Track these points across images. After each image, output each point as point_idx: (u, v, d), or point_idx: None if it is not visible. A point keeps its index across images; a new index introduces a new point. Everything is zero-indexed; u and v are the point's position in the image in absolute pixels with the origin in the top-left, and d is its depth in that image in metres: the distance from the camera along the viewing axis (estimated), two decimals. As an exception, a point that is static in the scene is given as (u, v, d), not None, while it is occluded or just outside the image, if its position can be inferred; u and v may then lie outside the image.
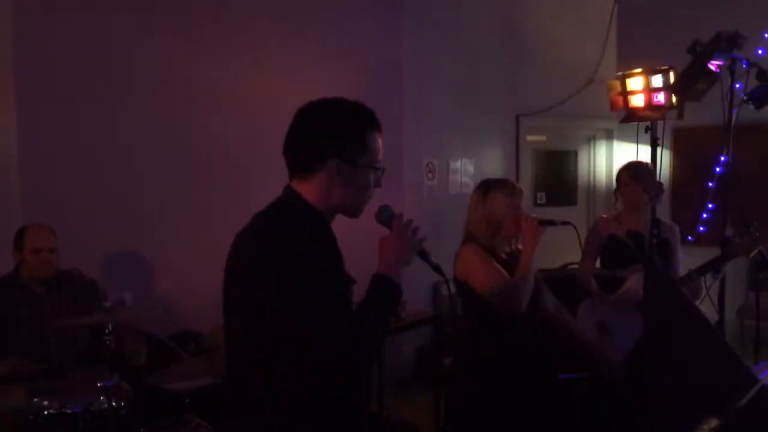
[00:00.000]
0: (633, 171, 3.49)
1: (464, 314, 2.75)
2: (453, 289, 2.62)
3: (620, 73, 5.29)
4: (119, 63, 4.11)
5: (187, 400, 3.11)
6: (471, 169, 5.66)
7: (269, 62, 4.59)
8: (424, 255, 1.79)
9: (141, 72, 4.19)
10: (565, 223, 2.72)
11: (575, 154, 6.69)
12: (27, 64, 3.93)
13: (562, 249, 4.02)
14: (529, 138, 6.16)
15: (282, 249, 1.58)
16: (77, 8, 4.01)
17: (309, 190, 1.71)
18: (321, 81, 4.49)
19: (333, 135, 1.70)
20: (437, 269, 1.80)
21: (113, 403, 2.74)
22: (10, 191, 3.91)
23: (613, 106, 5.77)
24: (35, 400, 2.79)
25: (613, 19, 6.30)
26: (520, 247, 2.76)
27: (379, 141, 1.75)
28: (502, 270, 2.67)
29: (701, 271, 3.18)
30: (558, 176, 6.56)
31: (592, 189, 6.67)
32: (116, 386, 2.80)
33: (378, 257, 1.70)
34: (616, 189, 3.58)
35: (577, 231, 2.74)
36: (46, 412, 2.69)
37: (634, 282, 3.24)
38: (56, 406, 2.70)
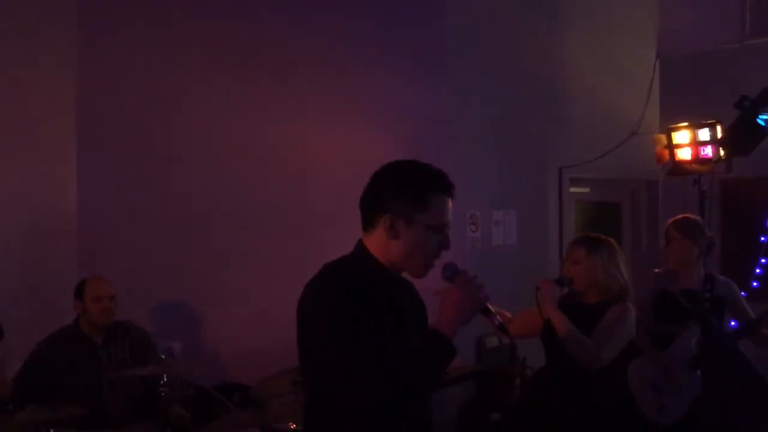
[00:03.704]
0: (680, 225, 3.45)
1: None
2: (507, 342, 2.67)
3: (666, 127, 5.29)
4: (177, 122, 4.27)
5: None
6: (514, 220, 5.65)
7: (320, 120, 4.69)
8: (486, 312, 1.76)
9: (197, 130, 4.34)
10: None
11: (619, 206, 6.62)
12: (88, 123, 4.12)
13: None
14: (572, 190, 6.13)
15: (333, 298, 1.67)
16: (137, 69, 4.19)
17: (372, 243, 1.78)
18: (368, 136, 4.58)
19: (390, 191, 1.76)
20: (501, 328, 1.79)
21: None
22: (69, 243, 4.05)
23: (659, 159, 5.78)
24: (89, 451, 2.83)
25: (656, 72, 6.31)
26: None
27: (448, 204, 1.77)
28: None
29: None
30: (601, 228, 6.45)
31: (636, 242, 6.58)
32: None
33: (439, 310, 1.71)
34: (665, 244, 3.53)
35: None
36: (100, 464, 2.72)
37: (683, 340, 3.18)
38: (110, 458, 2.73)
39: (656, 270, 3.59)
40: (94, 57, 4.14)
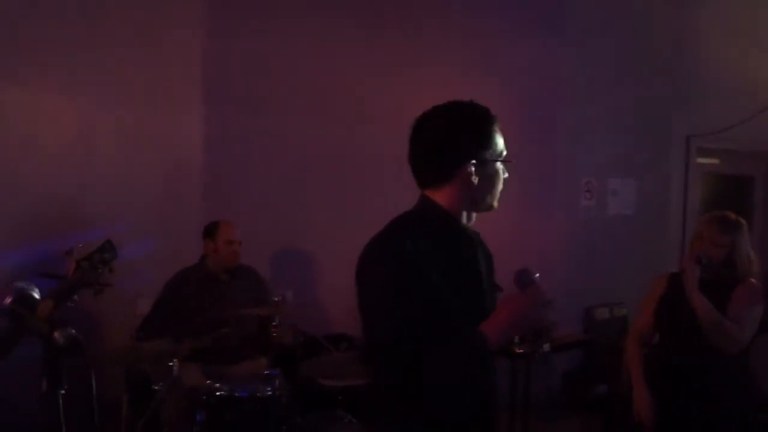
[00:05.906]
0: None
1: None
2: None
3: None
4: (296, 77, 4.41)
5: (340, 397, 3.24)
6: (633, 190, 5.42)
7: (432, 80, 4.67)
8: (540, 334, 1.66)
9: (316, 85, 4.45)
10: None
11: (752, 180, 6.19)
12: (213, 78, 4.34)
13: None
14: (700, 160, 5.79)
15: (397, 258, 1.62)
16: (261, 25, 4.35)
17: (445, 196, 1.75)
18: (486, 93, 4.50)
19: (465, 140, 1.74)
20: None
21: (276, 392, 2.92)
22: (195, 188, 4.31)
23: (800, 130, 5.31)
24: (208, 381, 3.04)
25: (803, 37, 5.78)
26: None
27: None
28: None
29: None
30: (731, 203, 6.07)
31: (770, 219, 6.13)
32: (279, 376, 2.98)
33: (497, 311, 1.62)
34: None
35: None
36: (217, 393, 2.91)
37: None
38: (227, 389, 2.92)
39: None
40: (222, 13, 4.33)
